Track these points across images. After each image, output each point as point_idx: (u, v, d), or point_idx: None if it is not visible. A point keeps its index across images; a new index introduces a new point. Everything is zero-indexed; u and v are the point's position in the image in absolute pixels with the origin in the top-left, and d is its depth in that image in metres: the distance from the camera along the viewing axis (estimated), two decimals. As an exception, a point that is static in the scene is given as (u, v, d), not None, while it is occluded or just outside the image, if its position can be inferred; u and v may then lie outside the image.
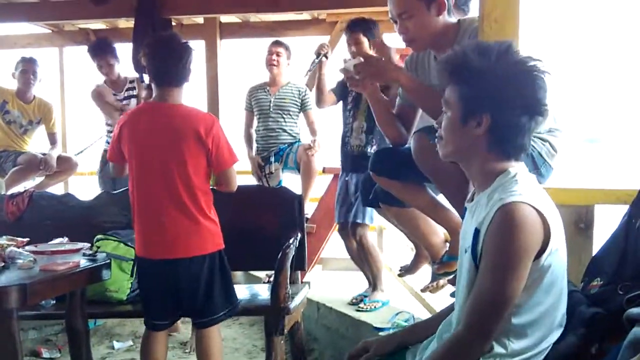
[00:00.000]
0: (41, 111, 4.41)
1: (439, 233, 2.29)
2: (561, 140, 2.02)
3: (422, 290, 2.53)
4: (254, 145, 4.28)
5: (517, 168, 1.39)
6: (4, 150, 4.30)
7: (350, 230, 3.38)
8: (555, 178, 2.06)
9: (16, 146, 4.34)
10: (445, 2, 1.97)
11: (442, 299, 2.43)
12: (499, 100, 1.33)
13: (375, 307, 3.26)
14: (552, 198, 1.39)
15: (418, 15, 1.95)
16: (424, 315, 2.95)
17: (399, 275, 2.91)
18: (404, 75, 2.02)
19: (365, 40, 3.27)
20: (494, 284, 1.28)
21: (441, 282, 2.37)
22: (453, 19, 2.04)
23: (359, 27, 3.28)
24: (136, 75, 4.18)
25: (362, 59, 2.00)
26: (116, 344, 3.61)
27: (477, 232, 1.34)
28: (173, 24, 4.78)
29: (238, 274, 4.26)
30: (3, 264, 2.29)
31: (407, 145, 2.12)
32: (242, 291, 3.13)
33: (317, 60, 3.47)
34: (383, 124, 2.15)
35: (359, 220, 3.30)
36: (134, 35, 4.38)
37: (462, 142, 1.39)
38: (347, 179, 3.44)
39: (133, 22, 4.52)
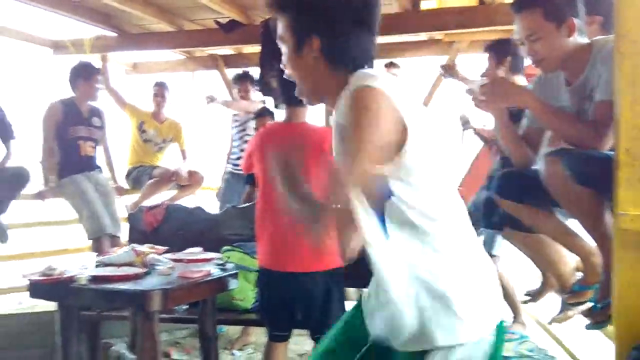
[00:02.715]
0: (173, 130, 4.82)
1: (567, 261, 2.20)
2: None
3: (550, 322, 2.42)
4: None
5: None
6: (140, 165, 4.74)
7: None
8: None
9: (150, 162, 4.77)
10: (575, 23, 1.92)
11: (568, 329, 2.33)
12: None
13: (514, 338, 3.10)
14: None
15: (547, 36, 1.91)
16: (548, 345, 2.82)
17: (524, 302, 2.80)
18: (532, 98, 1.97)
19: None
20: None
21: (570, 312, 2.26)
22: (585, 40, 1.98)
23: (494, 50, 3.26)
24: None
25: (488, 80, 1.99)
26: (236, 352, 3.79)
27: None
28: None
29: (351, 291, 4.32)
30: (146, 269, 2.53)
31: (533, 168, 2.08)
32: (357, 308, 3.18)
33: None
34: (509, 146, 2.11)
35: (489, 252, 3.10)
36: (260, 61, 4.66)
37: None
38: None
39: (258, 48, 4.82)
